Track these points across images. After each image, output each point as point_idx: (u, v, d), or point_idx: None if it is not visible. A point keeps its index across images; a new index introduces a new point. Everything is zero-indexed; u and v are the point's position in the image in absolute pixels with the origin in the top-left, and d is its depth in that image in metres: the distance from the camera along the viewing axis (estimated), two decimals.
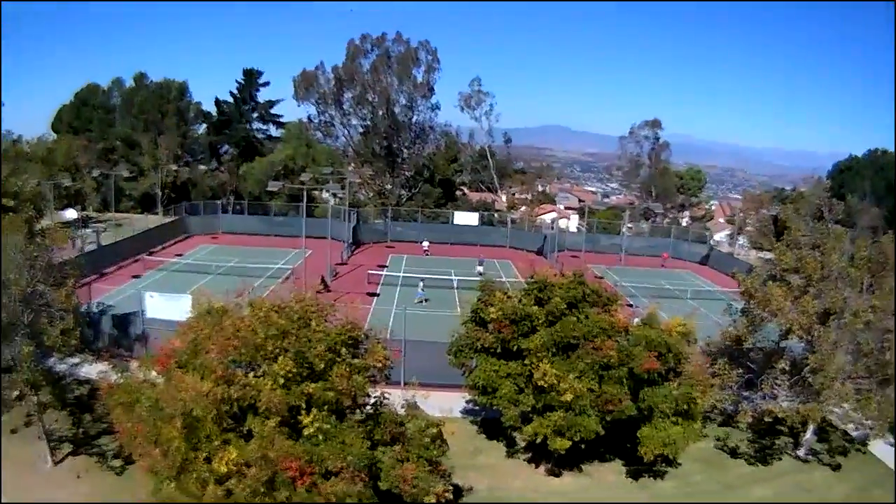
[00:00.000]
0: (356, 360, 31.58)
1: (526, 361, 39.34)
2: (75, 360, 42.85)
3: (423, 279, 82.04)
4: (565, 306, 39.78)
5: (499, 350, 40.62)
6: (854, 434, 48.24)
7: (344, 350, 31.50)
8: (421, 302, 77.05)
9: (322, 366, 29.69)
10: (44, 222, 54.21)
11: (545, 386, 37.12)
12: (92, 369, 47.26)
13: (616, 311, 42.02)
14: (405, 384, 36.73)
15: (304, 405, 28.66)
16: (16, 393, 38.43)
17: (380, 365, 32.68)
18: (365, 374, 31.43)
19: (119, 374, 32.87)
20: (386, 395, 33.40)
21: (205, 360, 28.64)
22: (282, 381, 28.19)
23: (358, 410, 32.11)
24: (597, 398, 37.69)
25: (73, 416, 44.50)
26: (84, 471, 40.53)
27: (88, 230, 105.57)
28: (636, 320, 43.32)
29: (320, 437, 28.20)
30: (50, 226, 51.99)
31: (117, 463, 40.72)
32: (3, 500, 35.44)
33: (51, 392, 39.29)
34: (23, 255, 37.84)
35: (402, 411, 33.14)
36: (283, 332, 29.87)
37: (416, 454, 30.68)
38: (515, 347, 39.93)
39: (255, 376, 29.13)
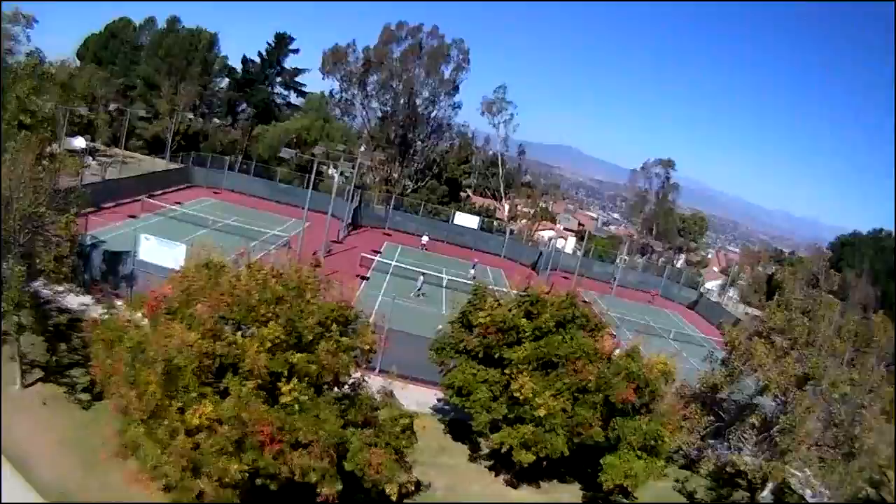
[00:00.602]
0: (344, 339, 31.50)
1: (506, 371, 39.57)
2: (59, 287, 42.65)
3: (423, 273, 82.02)
4: (554, 324, 39.92)
5: (481, 355, 40.94)
6: (810, 501, 48.11)
7: (335, 326, 31.50)
8: (419, 295, 77.35)
9: (310, 338, 29.66)
10: (53, 147, 54.19)
11: (520, 398, 37.41)
12: (74, 300, 47.35)
13: (603, 338, 41.99)
14: (380, 371, 36.67)
15: (285, 373, 28.66)
16: None
17: (367, 348, 32.66)
18: (350, 354, 31.39)
19: (105, 311, 32.78)
20: (366, 378, 33.45)
21: (195, 312, 28.66)
22: (268, 345, 28.19)
23: (336, 388, 32.10)
24: (568, 419, 37.89)
25: (48, 343, 44.41)
26: (51, 398, 40.54)
27: (93, 161, 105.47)
28: (617, 350, 43.32)
29: (296, 407, 28.25)
30: (59, 151, 51.93)
31: (85, 396, 40.76)
32: None
33: (32, 315, 39.23)
34: (29, 176, 37.69)
35: (377, 397, 33.16)
36: (278, 298, 29.88)
37: (384, 441, 30.82)
38: (498, 355, 40.24)
39: (242, 336, 29.18)
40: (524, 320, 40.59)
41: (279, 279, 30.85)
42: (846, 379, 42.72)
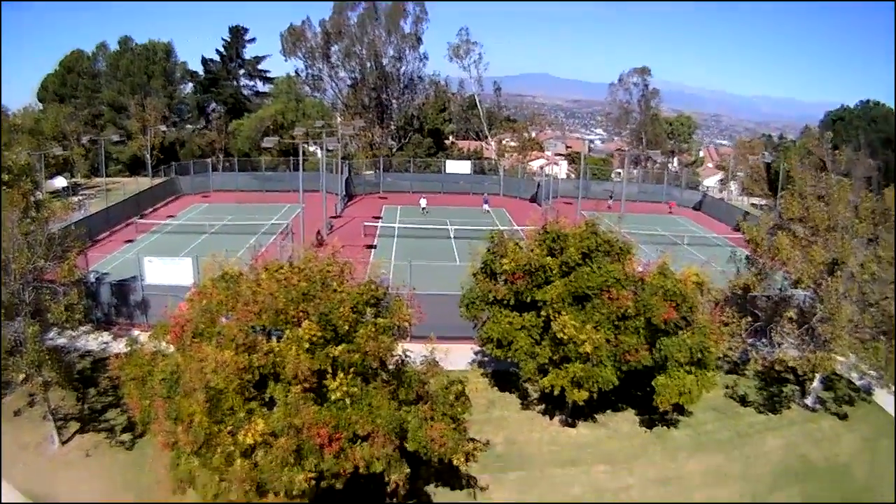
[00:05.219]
0: (381, 320, 30.64)
1: (542, 313, 38.89)
2: (74, 332, 41.78)
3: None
4: (580, 256, 39.01)
5: (512, 302, 40.24)
6: (858, 383, 48.92)
7: (368, 310, 30.80)
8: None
9: (346, 328, 28.67)
10: (37, 194, 53.32)
11: (564, 338, 36.53)
12: (92, 341, 46.93)
13: (630, 261, 41.26)
14: (412, 339, 35.53)
15: (329, 369, 27.74)
16: (22, 376, 37.25)
17: (405, 324, 31.74)
18: (390, 334, 30.47)
19: (129, 346, 31.74)
20: (408, 352, 32.44)
21: (223, 329, 27.78)
22: (307, 345, 27.15)
23: (382, 371, 31.13)
24: (614, 349, 37.39)
25: (77, 392, 43.30)
26: (93, 447, 39.93)
27: (77, 197, 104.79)
28: (639, 268, 42.65)
29: (347, 401, 27.47)
30: (42, 198, 51.14)
31: (127, 437, 40.14)
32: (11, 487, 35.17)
33: (56, 370, 37.72)
34: (20, 231, 36.95)
35: (418, 366, 32.38)
36: (304, 294, 28.92)
37: (441, 412, 30.14)
38: (529, 299, 39.56)
39: (278, 340, 28.23)
40: (549, 259, 39.65)
41: (301, 274, 29.91)
42: (872, 258, 42.77)
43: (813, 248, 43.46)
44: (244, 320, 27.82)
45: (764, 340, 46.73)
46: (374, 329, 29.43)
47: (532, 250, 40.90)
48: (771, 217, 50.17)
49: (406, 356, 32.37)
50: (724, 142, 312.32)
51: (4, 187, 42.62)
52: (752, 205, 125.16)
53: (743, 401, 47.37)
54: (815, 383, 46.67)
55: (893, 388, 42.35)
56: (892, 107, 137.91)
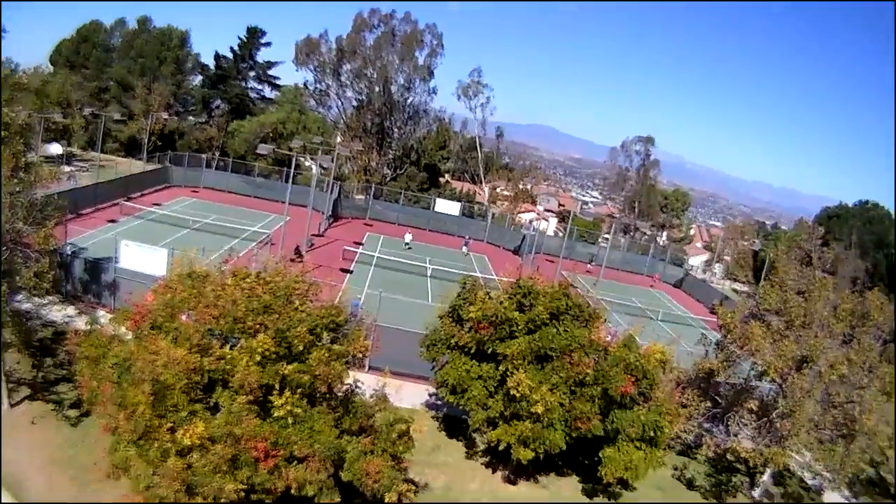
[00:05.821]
0: (336, 346, 30.70)
1: (501, 367, 38.78)
2: (42, 300, 41.95)
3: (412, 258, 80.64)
4: (547, 316, 38.78)
5: (473, 350, 40.00)
6: (810, 482, 48.29)
7: (325, 334, 30.82)
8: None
9: (301, 347, 28.87)
10: (29, 156, 53.37)
11: (517, 395, 36.42)
12: (57, 312, 46.98)
13: (598, 328, 40.99)
14: (370, 369, 35.65)
15: (277, 386, 27.94)
16: None
17: (360, 355, 32.08)
18: (343, 362, 30.58)
19: (89, 325, 31.87)
20: (359, 382, 32.68)
21: (181, 326, 28.00)
22: (258, 358, 27.46)
23: (329, 396, 31.18)
24: (566, 413, 37.13)
25: (33, 359, 43.50)
26: (39, 416, 39.80)
27: (70, 168, 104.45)
28: (609, 336, 42.55)
29: (290, 420, 27.63)
30: (34, 161, 51.10)
31: (73, 413, 39.96)
32: None
33: (15, 332, 38.28)
34: (5, 190, 36.84)
35: (368, 398, 32.53)
36: (266, 307, 29.13)
37: (381, 448, 30.09)
38: (490, 350, 39.23)
39: (230, 348, 28.53)
40: (517, 313, 39.41)
41: (265, 286, 30.09)
42: (843, 359, 42.31)
43: (784, 342, 43.23)
44: (203, 321, 28.25)
45: (721, 427, 46.40)
46: (327, 354, 29.58)
47: (501, 302, 40.57)
48: (748, 305, 50.06)
49: (357, 386, 32.56)
50: (717, 223, 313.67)
51: None
52: (734, 290, 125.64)
53: (690, 484, 47.08)
54: (766, 477, 46.63)
55: None
56: (891, 209, 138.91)
